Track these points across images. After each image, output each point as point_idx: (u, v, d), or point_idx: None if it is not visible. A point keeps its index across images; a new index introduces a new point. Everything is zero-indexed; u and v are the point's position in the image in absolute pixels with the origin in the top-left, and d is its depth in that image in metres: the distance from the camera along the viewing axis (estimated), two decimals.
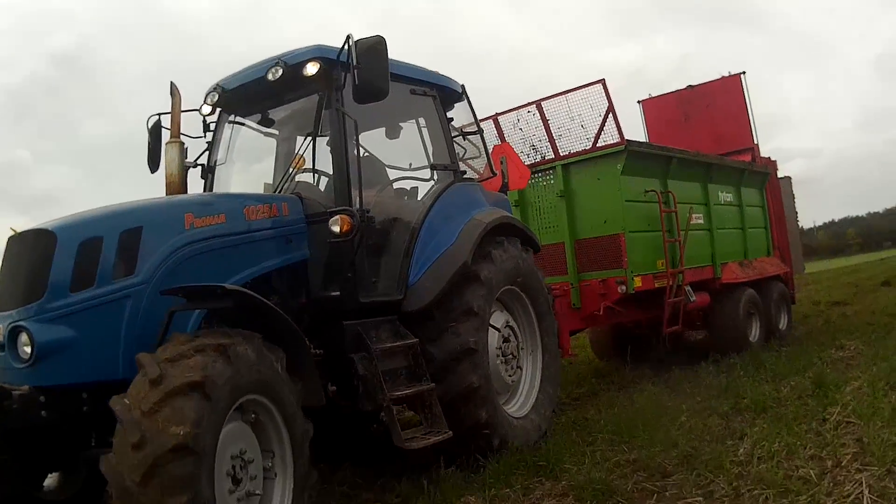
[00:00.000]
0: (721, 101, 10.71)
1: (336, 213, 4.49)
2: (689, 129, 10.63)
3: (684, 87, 11.04)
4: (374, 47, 4.43)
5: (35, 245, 3.84)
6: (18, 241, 4.00)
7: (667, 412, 5.88)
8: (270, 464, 3.72)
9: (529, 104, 8.30)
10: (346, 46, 4.50)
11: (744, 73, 10.70)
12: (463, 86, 5.89)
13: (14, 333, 3.62)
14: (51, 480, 4.09)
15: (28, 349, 3.57)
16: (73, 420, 3.70)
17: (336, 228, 4.44)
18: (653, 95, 11.29)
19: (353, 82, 4.41)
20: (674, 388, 7.10)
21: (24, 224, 4.18)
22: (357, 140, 4.80)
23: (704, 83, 10.89)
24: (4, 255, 4.03)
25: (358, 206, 4.62)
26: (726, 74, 10.98)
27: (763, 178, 10.60)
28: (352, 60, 4.42)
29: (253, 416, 3.63)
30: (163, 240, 3.99)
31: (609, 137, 7.96)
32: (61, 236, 3.75)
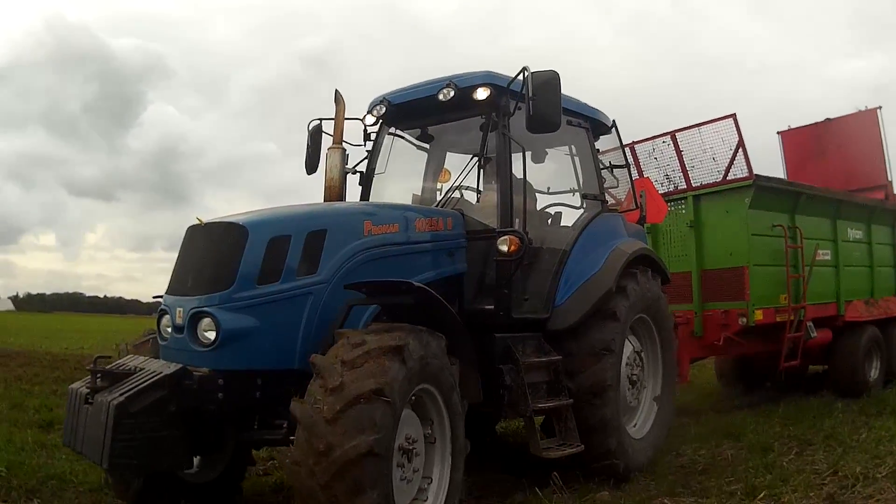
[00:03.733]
0: (856, 135, 10.48)
1: (505, 233, 4.81)
2: (825, 162, 10.46)
3: (822, 119, 10.91)
4: (550, 81, 4.62)
5: (225, 237, 4.04)
6: (205, 231, 4.21)
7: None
8: (430, 430, 3.96)
9: (664, 134, 8.53)
10: (521, 77, 4.70)
11: (880, 107, 10.46)
12: (614, 121, 6.17)
13: (196, 318, 3.83)
14: (196, 461, 4.30)
15: (211, 334, 3.78)
16: (245, 403, 3.93)
17: (504, 248, 4.75)
18: (792, 127, 11.20)
19: (528, 113, 4.60)
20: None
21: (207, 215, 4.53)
22: (524, 163, 4.97)
23: (841, 117, 10.71)
24: (185, 242, 4.23)
25: (521, 228, 4.94)
26: (863, 108, 10.76)
27: (895, 217, 10.37)
28: (527, 92, 4.60)
29: (413, 398, 3.83)
30: (344, 243, 4.25)
31: (739, 171, 8.09)
32: (253, 231, 3.96)
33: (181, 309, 3.92)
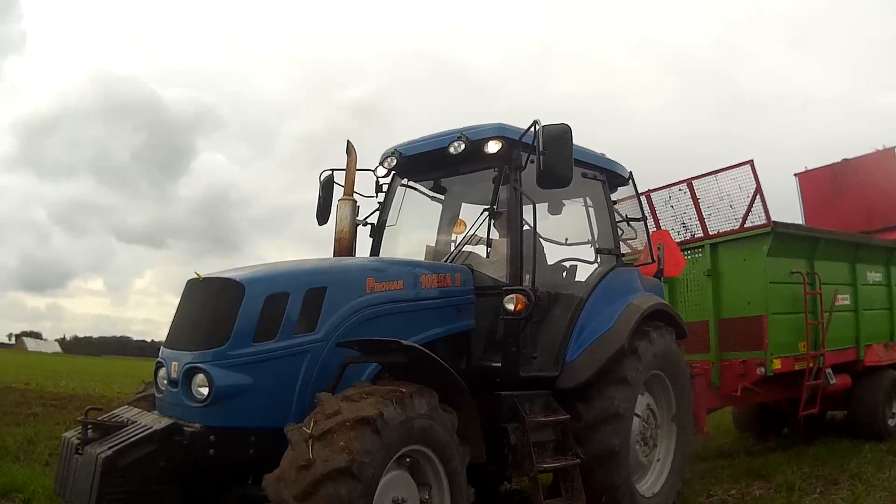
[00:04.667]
0: (875, 175, 10.42)
1: (511, 291, 4.68)
2: (842, 203, 10.39)
3: (839, 160, 10.84)
4: (561, 136, 4.53)
5: (222, 293, 3.97)
6: (203, 286, 4.14)
7: None
8: (428, 495, 3.81)
9: (681, 182, 8.45)
10: (532, 130, 4.63)
11: None
12: (630, 172, 6.08)
13: (190, 373, 3.77)
14: None
15: (204, 390, 3.71)
16: (238, 460, 3.83)
17: (511, 307, 4.64)
18: (808, 168, 11.13)
19: (538, 167, 4.51)
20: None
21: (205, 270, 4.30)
22: (535, 221, 4.91)
23: (858, 157, 10.64)
24: (184, 296, 4.19)
25: (530, 284, 4.82)
26: (881, 148, 10.70)
27: None
28: (538, 146, 4.52)
29: (408, 459, 3.73)
30: (344, 300, 4.16)
31: (756, 218, 7.98)
32: (249, 288, 3.89)
33: (176, 363, 3.88)
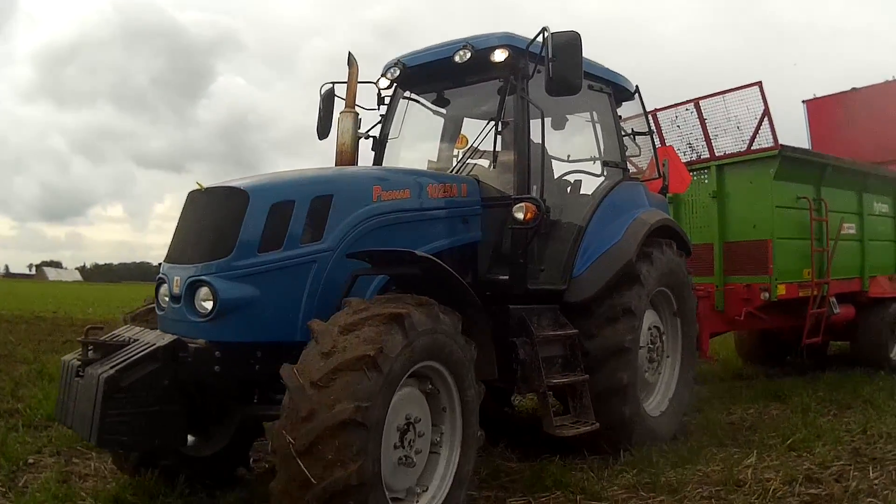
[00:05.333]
0: (884, 106, 10.18)
1: (521, 200, 4.60)
2: (852, 133, 10.16)
3: (849, 88, 10.56)
4: (570, 42, 4.39)
5: (226, 203, 3.82)
6: (205, 196, 3.98)
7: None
8: (439, 438, 3.73)
9: (688, 102, 8.26)
10: (541, 38, 4.51)
11: None
12: (637, 86, 5.94)
13: (194, 287, 3.62)
14: (198, 434, 4.15)
15: (208, 304, 3.57)
16: (244, 377, 3.74)
17: (520, 215, 4.55)
18: (817, 96, 10.86)
19: (547, 75, 4.39)
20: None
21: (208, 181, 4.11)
22: (543, 133, 4.83)
23: (868, 86, 10.36)
24: (185, 210, 4.01)
25: (538, 195, 4.73)
26: (890, 79, 10.42)
27: None
28: (547, 53, 4.39)
29: (430, 387, 3.63)
30: (351, 209, 4.04)
31: (764, 141, 7.83)
32: (254, 197, 3.74)
33: (178, 278, 3.72)
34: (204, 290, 3.59)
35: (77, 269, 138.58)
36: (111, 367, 3.36)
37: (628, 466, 4.75)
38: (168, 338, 3.57)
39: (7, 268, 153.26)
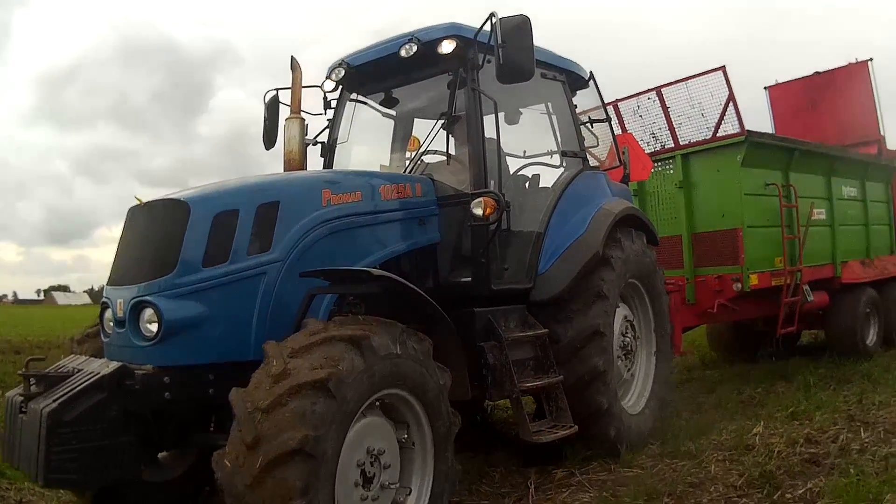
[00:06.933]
0: (847, 89, 10.07)
1: (478, 195, 4.37)
2: (815, 117, 10.06)
3: (811, 73, 10.43)
4: (521, 26, 4.19)
5: (166, 216, 3.64)
6: (146, 211, 3.80)
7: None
8: (406, 436, 3.52)
9: (649, 90, 8.06)
10: (488, 25, 4.30)
11: (870, 59, 10.03)
12: (591, 72, 5.73)
13: (137, 309, 3.43)
14: (156, 462, 3.97)
15: (153, 326, 3.38)
16: (197, 402, 3.56)
17: (479, 211, 4.32)
18: (779, 82, 10.71)
19: (498, 62, 4.18)
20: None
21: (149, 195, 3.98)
22: (497, 121, 4.59)
23: (831, 70, 10.25)
24: (126, 226, 3.82)
25: (496, 189, 4.49)
26: (853, 61, 10.31)
27: (889, 173, 9.92)
28: (496, 39, 4.20)
29: (377, 403, 3.40)
30: (300, 216, 3.83)
31: (729, 127, 7.65)
32: (195, 208, 3.55)
33: (122, 300, 3.51)
34: (148, 312, 3.41)
35: (85, 291, 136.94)
36: (54, 401, 3.17)
37: (652, 439, 5.33)
38: (113, 365, 3.36)
39: (15, 294, 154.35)
